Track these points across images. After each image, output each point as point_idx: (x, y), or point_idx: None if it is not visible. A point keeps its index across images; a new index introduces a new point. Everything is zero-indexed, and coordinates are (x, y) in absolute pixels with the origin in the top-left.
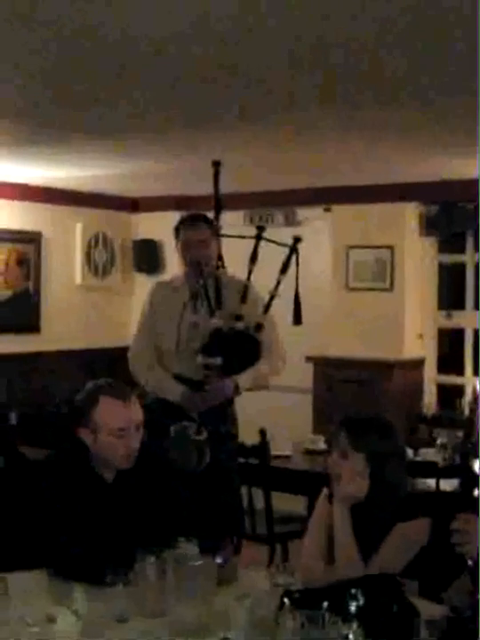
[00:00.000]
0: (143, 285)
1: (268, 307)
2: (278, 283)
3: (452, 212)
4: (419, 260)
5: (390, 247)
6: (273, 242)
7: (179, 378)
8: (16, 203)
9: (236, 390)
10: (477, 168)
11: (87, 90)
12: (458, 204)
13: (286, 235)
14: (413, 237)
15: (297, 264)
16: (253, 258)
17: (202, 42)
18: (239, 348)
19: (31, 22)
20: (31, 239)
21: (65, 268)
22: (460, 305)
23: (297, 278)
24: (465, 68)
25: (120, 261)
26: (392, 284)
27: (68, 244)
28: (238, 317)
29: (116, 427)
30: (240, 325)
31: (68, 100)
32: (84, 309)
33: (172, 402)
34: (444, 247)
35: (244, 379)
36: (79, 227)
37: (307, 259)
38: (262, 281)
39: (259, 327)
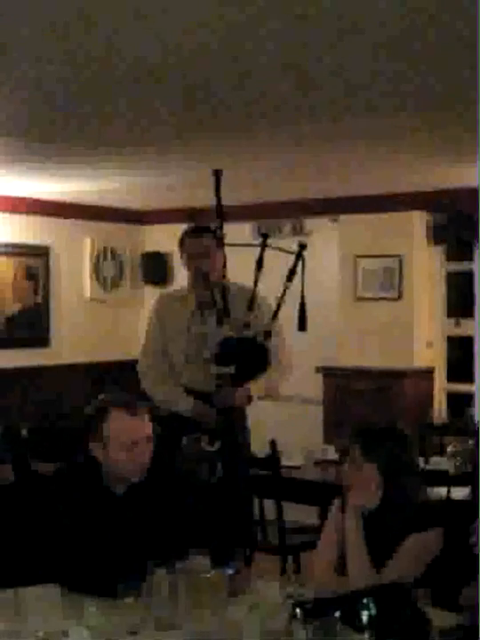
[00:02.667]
0: (152, 298)
1: (275, 314)
2: (285, 290)
3: (459, 221)
4: (427, 268)
5: (398, 256)
6: (278, 249)
7: (188, 390)
8: (24, 217)
9: (249, 399)
10: (477, 178)
11: (94, 105)
12: (465, 212)
13: (294, 245)
14: (421, 246)
15: (303, 271)
16: (259, 265)
17: (207, 58)
18: (249, 356)
19: (41, 44)
20: (40, 253)
21: (74, 281)
22: (468, 313)
23: (302, 284)
24: (470, 78)
25: (129, 274)
26: (400, 293)
27: (76, 257)
28: (246, 325)
29: (126, 440)
30: (249, 333)
31: (76, 115)
32: (94, 323)
33: (184, 415)
34: (452, 255)
35: (256, 387)
36: (87, 240)
37: (315, 269)
38: (270, 291)
39: (267, 334)
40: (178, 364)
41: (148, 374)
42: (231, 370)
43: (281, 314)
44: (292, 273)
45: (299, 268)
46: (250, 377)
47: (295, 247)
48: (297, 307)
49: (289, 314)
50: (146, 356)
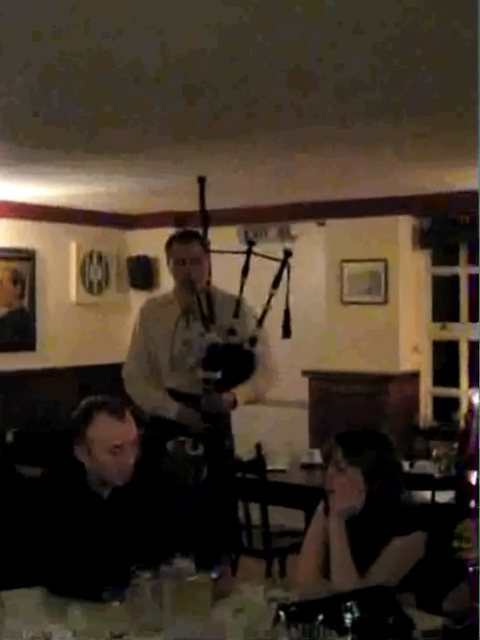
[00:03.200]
0: (138, 302)
1: (261, 320)
2: (270, 296)
3: (445, 225)
4: (413, 272)
5: (384, 260)
6: (263, 256)
7: (173, 393)
8: (10, 221)
9: (234, 404)
10: (477, 181)
11: (82, 111)
12: (451, 216)
13: (280, 249)
14: (407, 250)
15: (288, 277)
16: (245, 272)
17: (200, 63)
18: (235, 362)
19: (29, 47)
20: (26, 257)
21: (60, 285)
22: (454, 317)
23: (288, 292)
24: (460, 83)
25: (115, 278)
26: (386, 297)
27: (62, 261)
28: (232, 332)
29: (111, 443)
30: (235, 340)
31: (62, 119)
32: (80, 327)
33: (169, 419)
34: (438, 259)
35: (241, 393)
36: (74, 244)
37: (301, 273)
38: (257, 296)
39: (253, 341)
40: (163, 370)
41: (134, 379)
42: (218, 375)
43: (267, 319)
44: (277, 280)
45: (285, 275)
46: (236, 383)
47: (281, 254)
48: (282, 312)
49: (276, 319)
50: (131, 361)
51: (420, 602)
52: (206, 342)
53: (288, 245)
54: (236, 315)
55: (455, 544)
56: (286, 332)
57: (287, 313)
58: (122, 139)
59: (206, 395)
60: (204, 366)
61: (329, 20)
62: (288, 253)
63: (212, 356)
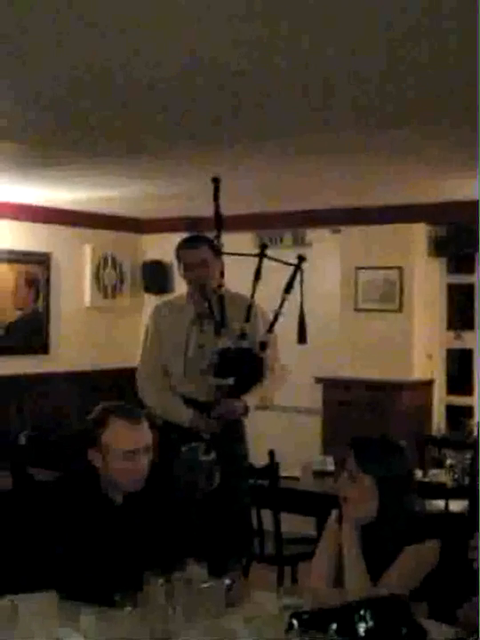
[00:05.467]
0: (152, 306)
1: (272, 326)
2: (283, 301)
3: (460, 233)
4: (427, 280)
5: (399, 268)
6: (276, 260)
7: (186, 399)
8: (25, 224)
9: (246, 410)
10: (477, 190)
11: (95, 114)
12: (466, 224)
13: (295, 256)
14: (422, 258)
15: (301, 283)
16: (257, 276)
17: (214, 71)
18: (247, 367)
19: (41, 53)
20: (40, 260)
21: (74, 289)
22: (468, 325)
23: (301, 297)
24: (471, 92)
25: (129, 282)
26: (401, 304)
27: (77, 265)
28: (243, 335)
29: (125, 449)
30: (245, 344)
31: (77, 123)
32: (94, 330)
33: (182, 425)
34: (453, 268)
35: (252, 398)
36: (88, 248)
37: (316, 280)
38: (270, 301)
39: (263, 346)
40: (176, 375)
41: (147, 384)
42: (230, 382)
43: (281, 325)
44: (290, 285)
45: (298, 280)
46: (246, 388)
47: (294, 259)
48: (296, 318)
49: (289, 325)
50: (144, 365)
51: (433, 611)
52: (218, 347)
53: (306, 252)
54: (247, 318)
55: (472, 555)
56: (302, 337)
57: (302, 318)
58: (137, 143)
59: (218, 402)
60: (216, 373)
61: (344, 32)
62: (301, 258)
63: (223, 362)
